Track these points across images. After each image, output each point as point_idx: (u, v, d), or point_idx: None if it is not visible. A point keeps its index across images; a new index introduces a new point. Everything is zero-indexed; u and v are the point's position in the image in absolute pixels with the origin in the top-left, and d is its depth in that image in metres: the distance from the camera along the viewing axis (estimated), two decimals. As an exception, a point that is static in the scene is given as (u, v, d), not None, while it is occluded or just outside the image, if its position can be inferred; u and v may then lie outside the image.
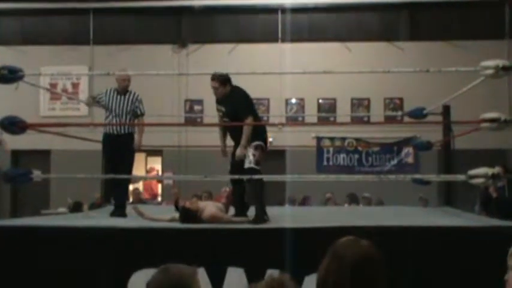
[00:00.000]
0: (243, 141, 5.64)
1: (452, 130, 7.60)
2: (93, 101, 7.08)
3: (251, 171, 5.58)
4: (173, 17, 15.16)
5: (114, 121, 6.63)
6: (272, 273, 2.37)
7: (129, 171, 6.70)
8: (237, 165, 5.78)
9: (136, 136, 6.81)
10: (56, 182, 14.00)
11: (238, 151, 5.66)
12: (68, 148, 12.98)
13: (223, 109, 5.86)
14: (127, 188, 7.52)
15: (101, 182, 12.33)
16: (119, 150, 6.58)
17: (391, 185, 10.73)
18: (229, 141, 6.15)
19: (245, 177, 5.69)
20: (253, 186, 5.63)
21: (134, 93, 6.81)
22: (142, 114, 6.83)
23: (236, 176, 5.76)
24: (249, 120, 5.69)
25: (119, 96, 6.73)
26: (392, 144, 14.13)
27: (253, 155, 5.63)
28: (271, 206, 5.72)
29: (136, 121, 6.82)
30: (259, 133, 5.80)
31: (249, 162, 5.62)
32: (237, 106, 5.74)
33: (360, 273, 2.10)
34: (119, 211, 6.46)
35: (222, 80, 5.79)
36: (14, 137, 6.32)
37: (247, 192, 5.85)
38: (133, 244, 4.71)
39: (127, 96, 6.74)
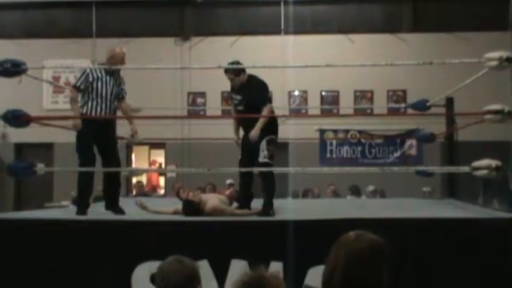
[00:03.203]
0: (259, 123, 5.61)
1: (455, 122, 7.58)
2: (80, 92, 5.81)
3: (265, 165, 5.62)
4: (175, 9, 15.13)
5: (102, 105, 5.73)
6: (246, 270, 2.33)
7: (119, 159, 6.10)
8: (246, 159, 5.79)
9: (130, 125, 6.15)
10: (59, 175, 14.00)
11: (253, 133, 5.60)
12: (71, 141, 12.84)
13: (238, 97, 5.87)
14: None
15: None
16: (108, 139, 5.90)
17: (394, 177, 10.73)
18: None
19: (253, 169, 5.69)
20: (265, 180, 5.66)
21: (119, 73, 5.95)
22: (124, 96, 6.04)
23: (244, 169, 5.79)
24: (267, 108, 5.73)
25: (107, 77, 5.77)
26: (396, 136, 14.09)
27: (268, 149, 5.65)
28: (274, 199, 5.71)
29: (119, 105, 6.00)
30: (272, 124, 5.79)
31: (264, 156, 5.64)
32: (255, 95, 5.77)
33: (366, 267, 2.09)
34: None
35: (235, 71, 5.81)
36: (17, 130, 6.31)
37: (258, 185, 5.85)
38: (136, 237, 4.72)
39: (114, 77, 5.84)
